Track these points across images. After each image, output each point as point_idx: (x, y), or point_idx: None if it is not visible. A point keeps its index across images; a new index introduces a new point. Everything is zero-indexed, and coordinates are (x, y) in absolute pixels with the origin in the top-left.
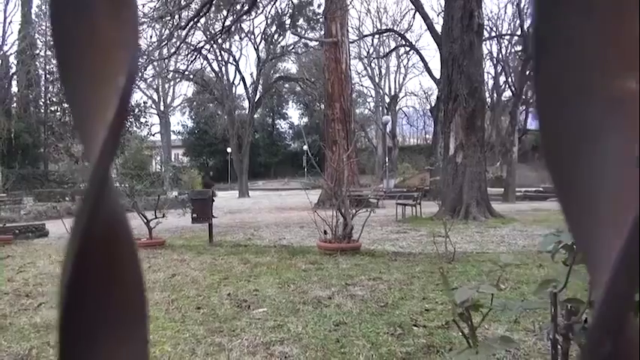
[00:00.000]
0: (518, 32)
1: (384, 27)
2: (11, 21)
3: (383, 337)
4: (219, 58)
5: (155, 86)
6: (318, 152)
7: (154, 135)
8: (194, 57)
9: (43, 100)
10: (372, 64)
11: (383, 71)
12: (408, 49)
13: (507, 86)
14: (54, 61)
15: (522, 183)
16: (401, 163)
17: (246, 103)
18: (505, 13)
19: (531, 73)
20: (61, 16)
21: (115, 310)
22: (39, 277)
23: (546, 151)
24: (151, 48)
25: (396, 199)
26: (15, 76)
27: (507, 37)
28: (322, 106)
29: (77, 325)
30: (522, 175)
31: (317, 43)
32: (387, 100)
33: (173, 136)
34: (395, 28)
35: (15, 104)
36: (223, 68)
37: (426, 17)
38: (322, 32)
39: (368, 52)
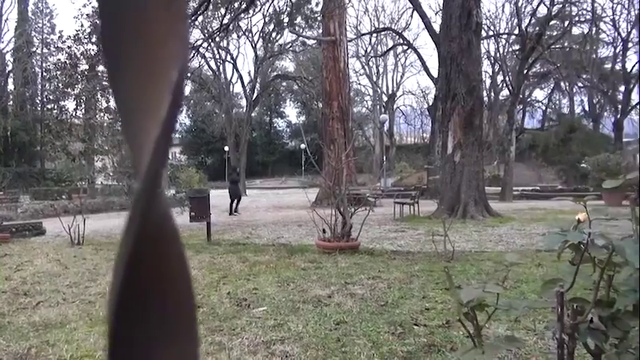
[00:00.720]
0: (516, 31)
1: (381, 26)
2: (7, 18)
3: (384, 336)
4: (217, 57)
5: None
6: (315, 151)
7: None
8: (192, 55)
9: (39, 98)
10: (370, 63)
11: (380, 70)
12: (405, 47)
13: (504, 85)
14: (50, 59)
15: (519, 182)
16: (398, 161)
17: (243, 102)
18: (503, 12)
19: (528, 72)
20: (110, 12)
21: (166, 310)
22: (37, 275)
23: None
24: None
25: (394, 197)
26: (11, 74)
27: (505, 36)
28: (320, 105)
29: (129, 323)
30: (519, 174)
31: (315, 41)
32: (385, 98)
33: None
34: (393, 27)
35: (11, 102)
36: (221, 66)
37: (423, 16)
38: (320, 31)
39: (366, 51)
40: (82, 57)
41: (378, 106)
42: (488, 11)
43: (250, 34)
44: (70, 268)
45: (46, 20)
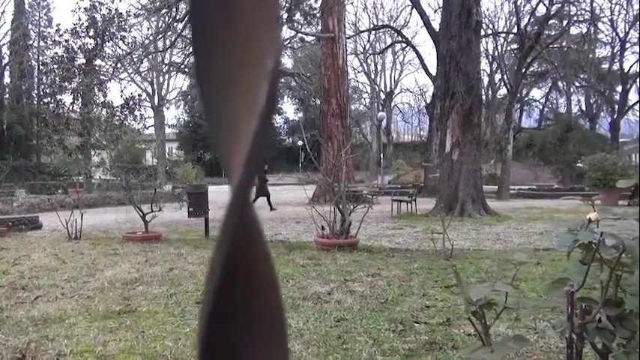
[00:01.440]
0: (514, 30)
1: (380, 23)
2: (4, 11)
3: (384, 333)
4: None
5: (150, 79)
6: (312, 147)
7: (147, 128)
8: (191, 51)
9: (35, 91)
10: (368, 60)
11: (379, 67)
12: (404, 45)
13: (502, 84)
14: (47, 53)
15: (515, 181)
16: (395, 159)
17: None
18: (501, 10)
19: (526, 71)
20: (201, 6)
21: (258, 312)
22: (34, 269)
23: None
24: (147, 40)
25: (392, 195)
26: (8, 67)
27: (503, 34)
28: (318, 102)
29: (223, 325)
30: (516, 173)
31: (313, 38)
32: (383, 96)
33: (167, 130)
34: (391, 24)
35: (7, 95)
36: None
37: (422, 14)
38: (319, 27)
39: (364, 48)
40: (79, 51)
41: (376, 104)
42: (487, 10)
43: None
44: (68, 262)
45: (43, 13)
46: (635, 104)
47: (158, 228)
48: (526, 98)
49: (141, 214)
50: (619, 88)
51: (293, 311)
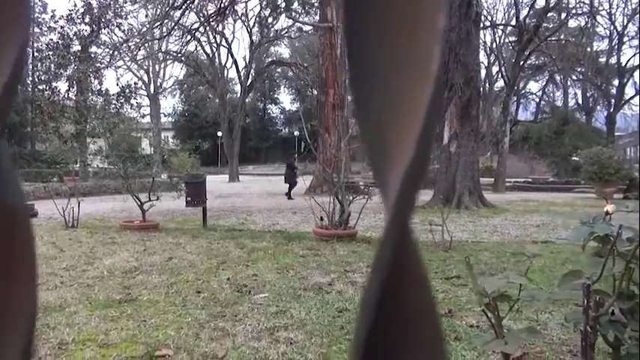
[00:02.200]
0: (513, 22)
1: None
2: None
3: None
4: (212, 41)
5: (146, 67)
6: (309, 138)
7: (143, 117)
8: (188, 39)
9: (30, 78)
10: None
11: None
12: None
13: (500, 76)
14: (42, 39)
15: (511, 173)
16: None
17: (237, 87)
18: (500, 2)
19: (524, 63)
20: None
21: (415, 350)
22: None
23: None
24: (144, 28)
25: None
26: None
27: (501, 27)
28: (315, 92)
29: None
30: (511, 166)
31: (311, 28)
32: None
33: (163, 119)
34: None
35: None
36: (216, 51)
37: None
38: (317, 17)
39: None
40: (74, 37)
41: None
42: (486, 1)
43: (246, 19)
44: (66, 251)
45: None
46: (631, 98)
47: (155, 217)
48: (523, 91)
49: (138, 202)
50: (615, 82)
51: (294, 301)
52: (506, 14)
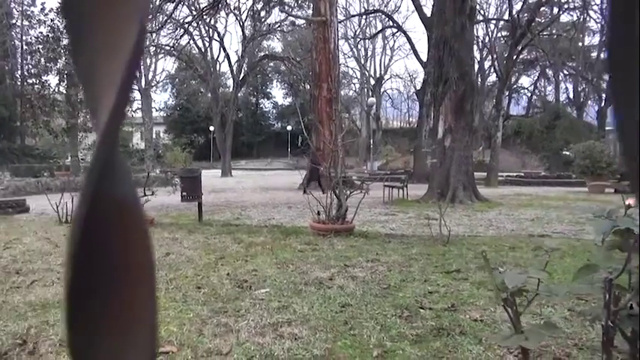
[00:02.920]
0: (506, 17)
1: (371, 7)
2: None
3: (391, 319)
4: (204, 35)
5: None
6: (301, 133)
7: (135, 111)
8: (182, 33)
9: (19, 72)
10: (359, 46)
11: (369, 53)
12: (395, 30)
13: (492, 71)
14: (31, 32)
15: (503, 167)
16: (384, 145)
17: (230, 81)
18: None
19: (517, 58)
20: None
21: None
22: (27, 253)
23: None
24: None
25: (384, 181)
26: None
27: (494, 21)
28: (307, 87)
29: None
30: (503, 160)
31: (304, 21)
32: (372, 82)
33: (154, 113)
34: (383, 9)
35: None
36: (208, 45)
37: None
38: (310, 11)
39: (355, 33)
40: (65, 30)
41: (366, 89)
42: None
43: (238, 12)
44: (61, 246)
45: None
46: None
47: (149, 212)
48: (515, 86)
49: None
50: (606, 77)
51: (296, 296)
52: (499, 9)
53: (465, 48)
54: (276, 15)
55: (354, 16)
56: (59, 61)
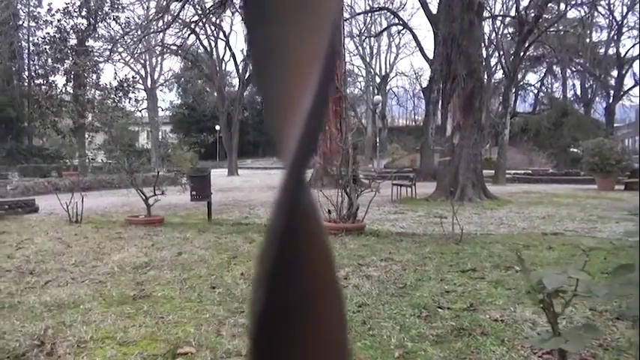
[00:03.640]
0: (512, 13)
1: (376, 5)
2: None
3: (410, 319)
4: (210, 34)
5: (142, 61)
6: None
7: (141, 111)
8: (189, 33)
9: (27, 72)
10: (364, 44)
11: (374, 51)
12: (400, 28)
13: (500, 67)
14: (38, 33)
15: (510, 165)
16: (390, 143)
17: (235, 81)
18: None
19: (524, 55)
20: None
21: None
22: (39, 254)
23: None
24: (140, 21)
25: (391, 179)
26: None
27: (500, 17)
28: None
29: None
30: (510, 157)
31: None
32: (378, 80)
33: (160, 113)
34: (388, 7)
35: None
36: (213, 44)
37: None
38: None
39: (360, 31)
40: (71, 31)
41: (371, 88)
42: None
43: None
44: (73, 246)
45: None
46: (630, 89)
47: (158, 211)
48: (521, 82)
49: (143, 197)
50: (614, 73)
51: None
52: (505, 5)
53: (474, 45)
54: None
55: (359, 14)
56: (66, 61)
